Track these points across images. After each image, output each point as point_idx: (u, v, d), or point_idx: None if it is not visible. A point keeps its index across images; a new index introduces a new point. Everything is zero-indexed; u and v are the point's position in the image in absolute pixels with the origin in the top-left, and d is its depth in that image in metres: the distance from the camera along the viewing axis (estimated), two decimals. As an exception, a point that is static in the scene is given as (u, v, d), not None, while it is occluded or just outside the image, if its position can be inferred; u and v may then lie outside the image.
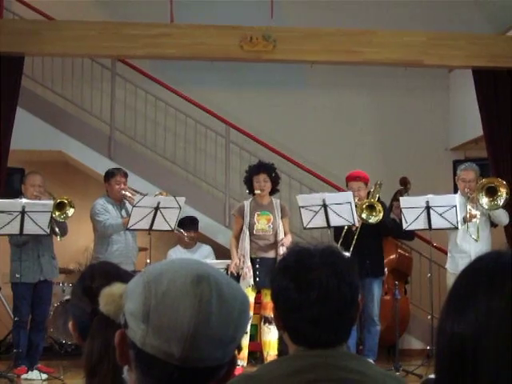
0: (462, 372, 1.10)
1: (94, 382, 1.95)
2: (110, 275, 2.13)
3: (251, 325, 7.95)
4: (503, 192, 7.62)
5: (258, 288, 7.79)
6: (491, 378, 1.07)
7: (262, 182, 7.94)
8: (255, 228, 7.94)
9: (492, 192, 7.67)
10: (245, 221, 7.95)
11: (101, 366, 1.91)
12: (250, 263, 7.81)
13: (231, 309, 1.37)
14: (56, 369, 7.83)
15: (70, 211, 7.66)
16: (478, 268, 1.16)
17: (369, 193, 8.04)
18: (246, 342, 7.71)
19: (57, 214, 7.57)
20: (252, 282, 7.74)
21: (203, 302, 1.33)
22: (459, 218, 7.65)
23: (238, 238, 8.02)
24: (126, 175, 8.14)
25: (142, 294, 1.36)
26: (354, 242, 7.69)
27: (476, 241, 7.70)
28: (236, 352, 1.44)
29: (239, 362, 7.60)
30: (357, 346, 8.00)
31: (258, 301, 7.95)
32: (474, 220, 7.71)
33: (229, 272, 7.77)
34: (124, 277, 1.72)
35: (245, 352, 7.71)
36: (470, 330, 1.09)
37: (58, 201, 7.63)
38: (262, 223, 7.96)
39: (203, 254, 9.04)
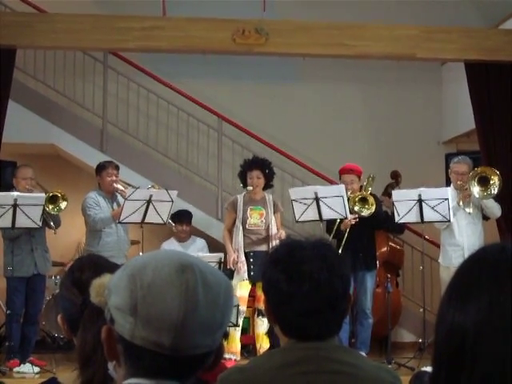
0: (461, 364, 1.09)
1: (87, 374, 1.95)
2: (100, 267, 2.13)
3: (244, 318, 7.95)
4: (496, 181, 7.64)
5: (252, 281, 7.80)
6: (490, 371, 1.06)
7: (255, 178, 7.94)
8: (248, 222, 7.95)
9: (484, 182, 7.69)
10: (238, 215, 7.96)
11: (94, 357, 1.91)
12: (243, 257, 7.83)
13: (217, 295, 1.39)
14: (48, 362, 7.83)
15: (63, 204, 7.63)
16: (482, 259, 1.15)
17: (361, 186, 8.05)
18: (238, 335, 7.72)
19: (50, 207, 7.55)
20: (246, 276, 7.76)
21: (190, 290, 1.34)
22: (451, 211, 7.66)
23: (230, 231, 8.03)
24: (117, 168, 8.13)
25: (127, 288, 1.36)
26: (346, 235, 7.70)
27: (469, 214, 7.74)
28: (223, 339, 1.45)
29: (232, 356, 7.61)
30: (349, 338, 8.02)
31: (251, 294, 7.96)
32: (467, 200, 7.75)
33: (228, 266, 7.78)
34: (113, 269, 1.72)
35: (237, 345, 7.72)
36: (470, 321, 1.09)
37: (51, 194, 7.61)
38: (254, 218, 7.97)
39: (197, 248, 9.02)
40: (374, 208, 7.76)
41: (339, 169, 8.20)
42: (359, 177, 8.08)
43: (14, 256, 7.54)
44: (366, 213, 7.77)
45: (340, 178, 8.19)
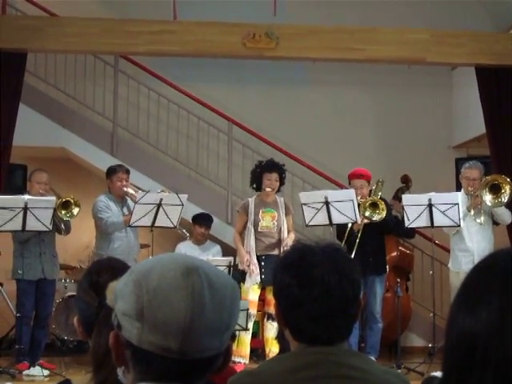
0: (471, 368, 1.08)
1: (100, 376, 1.96)
2: (117, 270, 2.14)
3: (254, 322, 7.94)
4: (507, 189, 7.61)
5: (263, 285, 7.79)
6: (501, 376, 1.06)
7: (274, 180, 7.95)
8: (260, 225, 7.93)
9: (496, 189, 7.66)
10: (249, 218, 7.95)
11: (108, 359, 1.91)
12: (256, 260, 7.82)
13: (223, 297, 1.39)
14: (58, 365, 7.84)
15: (75, 210, 7.63)
16: (493, 265, 1.14)
17: (370, 191, 8.04)
18: (248, 339, 7.71)
19: (63, 212, 7.56)
20: (259, 279, 7.75)
21: (196, 293, 1.34)
22: (461, 215, 7.64)
23: (241, 234, 8.01)
24: (128, 172, 8.14)
25: (133, 293, 1.36)
26: (357, 240, 7.68)
27: (481, 224, 7.71)
28: (230, 341, 1.45)
29: (241, 360, 7.61)
30: (359, 343, 8.01)
31: (261, 298, 7.94)
32: (478, 208, 7.73)
33: (241, 267, 7.77)
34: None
35: (247, 349, 7.72)
36: (481, 327, 1.08)
37: (64, 199, 7.61)
38: (266, 220, 7.96)
39: (213, 254, 8.99)
40: (384, 213, 7.75)
41: (348, 173, 8.19)
42: (369, 182, 8.07)
43: (23, 259, 7.56)
44: (376, 218, 7.76)
45: (349, 183, 8.18)
